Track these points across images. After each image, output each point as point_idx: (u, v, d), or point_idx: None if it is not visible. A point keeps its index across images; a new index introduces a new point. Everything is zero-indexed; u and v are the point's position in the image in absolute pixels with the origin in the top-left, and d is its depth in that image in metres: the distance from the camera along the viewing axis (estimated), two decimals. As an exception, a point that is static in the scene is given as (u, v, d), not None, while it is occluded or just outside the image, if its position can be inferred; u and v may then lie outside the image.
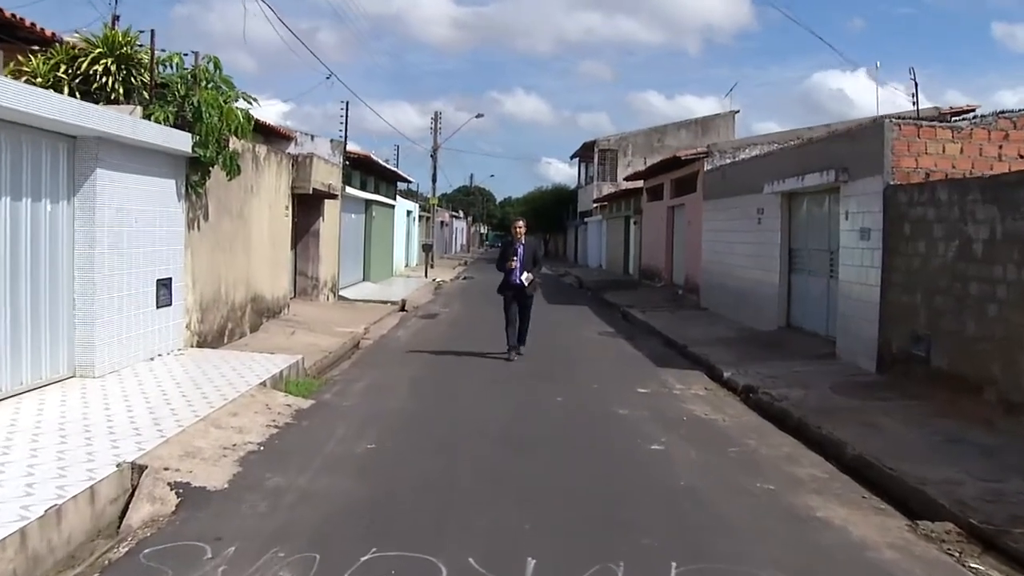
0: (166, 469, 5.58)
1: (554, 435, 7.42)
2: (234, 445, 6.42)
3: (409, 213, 38.32)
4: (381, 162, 24.72)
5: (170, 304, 10.06)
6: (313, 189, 16.00)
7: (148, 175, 9.42)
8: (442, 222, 57.10)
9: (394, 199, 31.17)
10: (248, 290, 12.91)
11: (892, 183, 10.38)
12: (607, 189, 44.06)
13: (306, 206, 17.85)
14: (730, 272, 17.48)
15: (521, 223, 12.30)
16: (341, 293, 20.18)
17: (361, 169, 23.69)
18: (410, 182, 34.53)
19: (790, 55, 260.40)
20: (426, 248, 34.42)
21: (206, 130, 10.02)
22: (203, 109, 9.97)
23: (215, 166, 10.59)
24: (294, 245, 17.73)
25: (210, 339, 11.31)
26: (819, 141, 13.32)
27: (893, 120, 10.55)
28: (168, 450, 5.94)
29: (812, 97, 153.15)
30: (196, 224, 10.83)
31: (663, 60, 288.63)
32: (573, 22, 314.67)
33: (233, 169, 10.71)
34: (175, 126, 10.00)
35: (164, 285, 9.92)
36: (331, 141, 20.28)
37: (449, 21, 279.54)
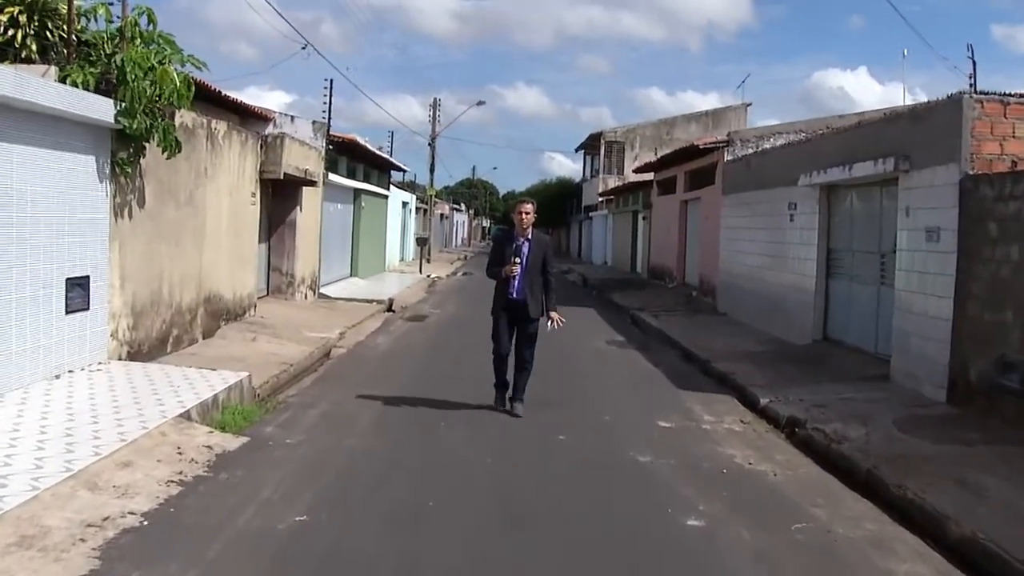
0: (-28, 574, 3.74)
1: (556, 502, 5.52)
2: (104, 520, 4.55)
3: (405, 205, 36.40)
4: (370, 147, 22.80)
5: (87, 308, 8.21)
6: (285, 174, 14.10)
7: (54, 149, 7.57)
8: (442, 215, 55.20)
9: (387, 189, 29.26)
10: (200, 289, 11.05)
11: (971, 173, 8.51)
12: (613, 183, 42.22)
13: (281, 194, 15.99)
14: (754, 274, 15.59)
15: (529, 207, 8.04)
16: (322, 291, 18.31)
17: (348, 155, 21.78)
18: (404, 170, 32.60)
19: (792, 54, 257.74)
20: (421, 242, 32.47)
21: (132, 96, 8.14)
22: (127, 69, 8.11)
23: (150, 141, 8.74)
24: (267, 237, 15.89)
25: (147, 348, 9.45)
26: (871, 124, 11.41)
27: (974, 96, 8.66)
28: (-6, 535, 4.09)
29: (814, 95, 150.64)
30: (127, 211, 8.96)
31: (665, 56, 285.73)
32: (574, 15, 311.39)
33: (170, 145, 8.82)
34: (100, 91, 8.16)
35: (78, 285, 8.07)
36: (313, 123, 18.33)
37: (450, 14, 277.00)
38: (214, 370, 8.60)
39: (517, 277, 7.88)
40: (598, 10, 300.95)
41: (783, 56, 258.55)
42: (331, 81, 21.54)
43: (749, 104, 45.61)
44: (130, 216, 9.03)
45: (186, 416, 6.73)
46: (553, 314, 8.05)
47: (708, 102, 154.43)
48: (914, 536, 5.16)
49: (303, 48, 22.16)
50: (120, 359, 8.81)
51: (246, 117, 16.54)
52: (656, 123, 47.06)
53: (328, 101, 20.05)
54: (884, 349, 10.46)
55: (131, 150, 8.71)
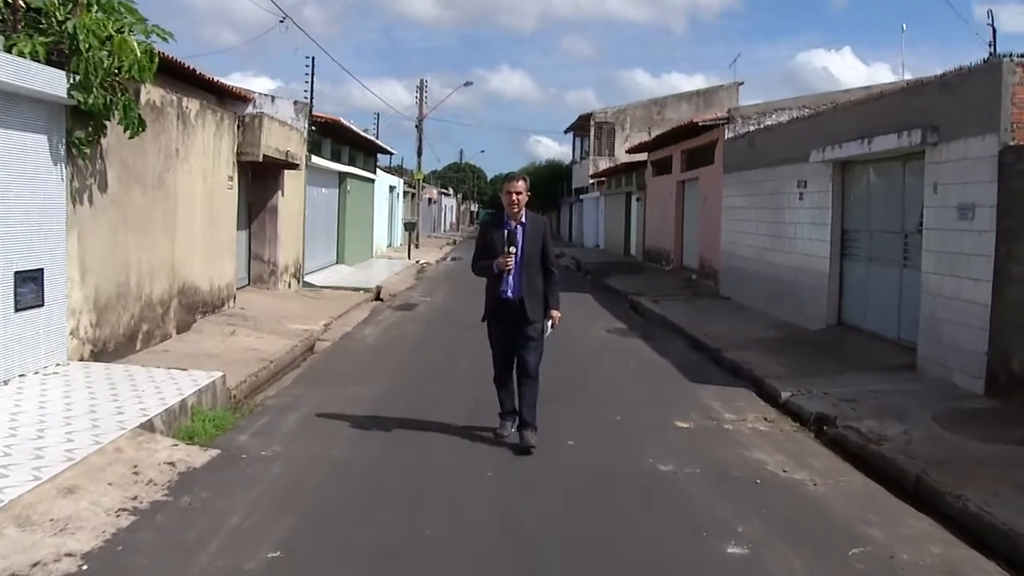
0: None
1: (571, 526, 4.75)
2: (33, 566, 3.78)
3: (392, 189, 35.49)
4: (355, 129, 21.89)
5: (40, 304, 7.40)
6: (264, 156, 13.24)
7: (-2, 127, 6.74)
8: (430, 199, 54.23)
9: (374, 172, 28.35)
10: (173, 280, 10.24)
11: (1012, 144, 7.78)
12: (603, 164, 41.40)
13: (261, 178, 15.13)
14: (760, 256, 14.87)
15: (520, 185, 6.39)
16: (306, 279, 17.48)
17: (333, 137, 20.88)
18: (391, 153, 31.63)
19: (776, 34, 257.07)
20: (408, 227, 31.61)
21: (86, 67, 7.30)
22: (80, 37, 7.26)
23: (110, 119, 7.91)
24: (247, 224, 15.05)
25: (113, 346, 8.65)
26: (893, 95, 10.64)
27: (1014, 59, 7.91)
28: None
29: (799, 76, 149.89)
30: (87, 196, 8.14)
31: (649, 37, 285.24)
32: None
33: (133, 123, 7.99)
34: (52, 62, 7.32)
35: (30, 279, 7.25)
36: (295, 103, 17.43)
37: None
38: (184, 370, 7.80)
39: (512, 271, 6.35)
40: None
41: (768, 36, 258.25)
42: (312, 59, 20.69)
43: (741, 83, 44.74)
44: (90, 202, 8.20)
45: (148, 426, 5.96)
46: (554, 313, 6.48)
47: (693, 83, 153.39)
48: (989, 561, 4.46)
49: (281, 21, 21.07)
50: (82, 359, 8.02)
51: (224, 97, 15.65)
52: (647, 103, 46.19)
53: (310, 79, 19.15)
54: (908, 335, 9.77)
55: (89, 129, 7.89)
